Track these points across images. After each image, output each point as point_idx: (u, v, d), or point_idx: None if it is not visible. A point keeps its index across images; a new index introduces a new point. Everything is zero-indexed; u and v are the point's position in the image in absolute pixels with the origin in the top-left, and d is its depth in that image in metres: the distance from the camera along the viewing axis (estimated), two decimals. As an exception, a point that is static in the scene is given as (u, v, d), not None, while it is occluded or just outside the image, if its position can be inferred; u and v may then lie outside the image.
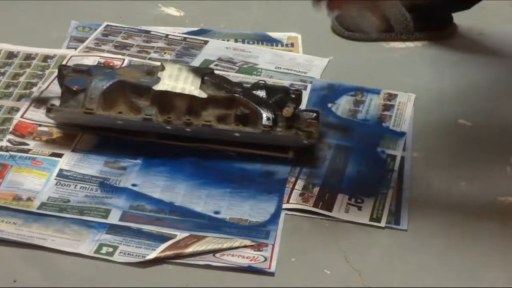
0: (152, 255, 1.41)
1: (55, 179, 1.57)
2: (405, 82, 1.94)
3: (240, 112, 1.63)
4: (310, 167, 1.64)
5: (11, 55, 1.93)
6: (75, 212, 1.49)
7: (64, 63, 1.87)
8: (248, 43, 2.07)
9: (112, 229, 1.47)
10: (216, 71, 1.74)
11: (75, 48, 1.98)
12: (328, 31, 2.12)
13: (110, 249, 1.42)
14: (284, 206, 1.54)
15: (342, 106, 1.84)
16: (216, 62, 1.97)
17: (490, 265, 1.45)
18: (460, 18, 2.13)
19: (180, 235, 1.47)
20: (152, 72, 1.68)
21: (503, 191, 1.62)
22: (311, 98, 1.84)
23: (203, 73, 1.68)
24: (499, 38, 2.14)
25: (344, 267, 1.43)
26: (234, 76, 1.89)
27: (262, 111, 1.62)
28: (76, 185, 1.56)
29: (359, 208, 1.55)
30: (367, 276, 1.41)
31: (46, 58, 1.93)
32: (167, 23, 2.14)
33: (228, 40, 2.08)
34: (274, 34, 2.11)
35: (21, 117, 1.72)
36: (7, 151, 1.62)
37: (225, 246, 1.44)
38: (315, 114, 1.67)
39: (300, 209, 1.54)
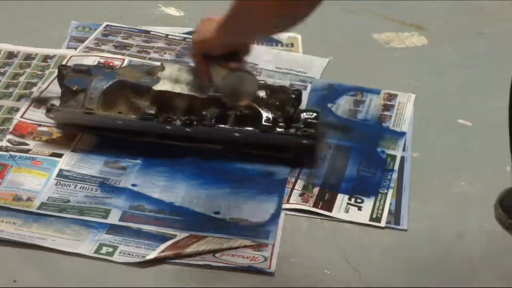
0: (152, 255, 1.41)
1: (55, 179, 1.57)
2: (405, 82, 1.94)
3: (240, 112, 1.63)
4: (310, 167, 1.64)
5: (11, 55, 1.93)
6: (75, 212, 1.49)
7: (64, 63, 1.87)
8: (248, 43, 2.07)
9: (112, 229, 1.47)
10: (216, 71, 1.74)
11: (75, 48, 1.98)
12: (328, 31, 2.12)
13: (110, 249, 1.42)
14: (284, 206, 1.54)
15: (342, 106, 1.83)
16: (216, 62, 1.96)
17: (490, 265, 1.45)
18: (460, 18, 2.13)
19: (180, 235, 1.47)
20: (152, 72, 1.68)
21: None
22: (311, 98, 1.84)
23: (203, 73, 1.68)
24: (499, 38, 2.14)
25: (344, 267, 1.43)
26: (234, 76, 1.88)
27: (262, 111, 1.62)
28: (76, 185, 1.56)
29: (359, 208, 1.55)
30: (367, 276, 1.41)
31: (46, 58, 1.93)
32: (167, 23, 2.14)
33: (228, 40, 2.07)
34: (274, 34, 2.11)
35: (21, 117, 1.72)
36: (7, 151, 1.62)
37: (225, 246, 1.44)
38: (315, 114, 1.67)
39: (300, 209, 1.54)
